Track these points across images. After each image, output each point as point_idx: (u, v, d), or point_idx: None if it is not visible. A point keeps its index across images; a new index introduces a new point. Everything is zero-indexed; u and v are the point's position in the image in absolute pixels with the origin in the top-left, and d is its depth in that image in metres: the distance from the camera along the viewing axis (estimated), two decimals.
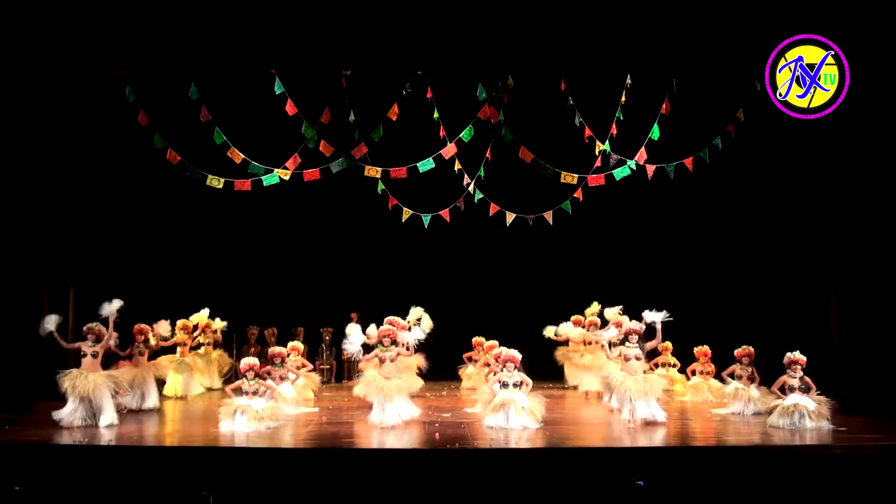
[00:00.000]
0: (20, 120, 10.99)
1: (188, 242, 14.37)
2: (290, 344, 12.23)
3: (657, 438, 8.78)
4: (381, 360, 9.50)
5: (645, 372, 9.88)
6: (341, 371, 15.02)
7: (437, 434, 9.08)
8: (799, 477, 7.78)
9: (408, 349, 11.05)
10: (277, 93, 11.40)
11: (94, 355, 9.79)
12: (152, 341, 11.81)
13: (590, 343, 12.46)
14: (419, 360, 12.09)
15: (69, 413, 9.45)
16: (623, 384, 9.57)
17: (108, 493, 7.62)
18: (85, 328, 9.97)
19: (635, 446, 8.47)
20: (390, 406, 9.37)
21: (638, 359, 9.65)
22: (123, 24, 11.16)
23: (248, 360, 9.89)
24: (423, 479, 7.73)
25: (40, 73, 11.04)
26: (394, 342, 9.70)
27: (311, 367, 12.33)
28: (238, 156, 11.65)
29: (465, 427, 9.59)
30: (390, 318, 11.71)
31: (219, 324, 13.19)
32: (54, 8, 10.89)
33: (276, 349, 11.31)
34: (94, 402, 9.47)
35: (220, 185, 11.77)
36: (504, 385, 9.64)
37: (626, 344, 9.79)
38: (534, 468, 7.93)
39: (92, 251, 12.73)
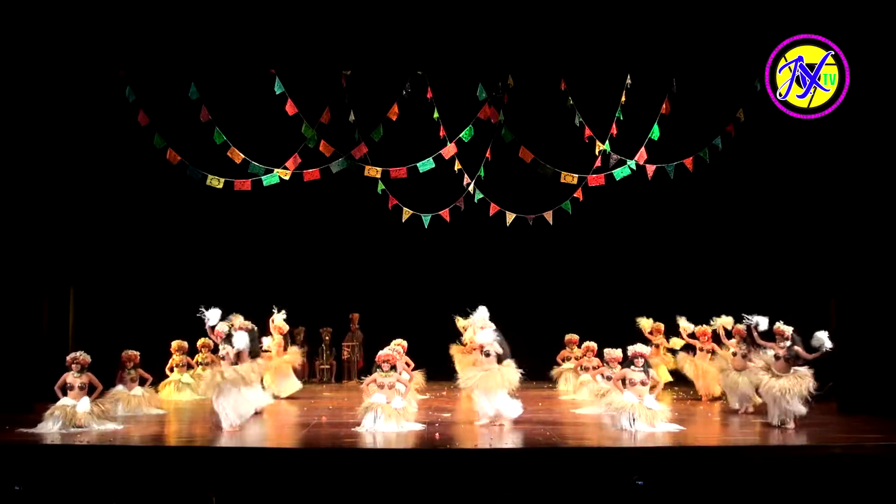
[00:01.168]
0: (19, 121, 10.98)
1: (188, 243, 14.37)
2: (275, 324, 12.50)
3: (657, 438, 8.77)
4: (381, 386, 9.41)
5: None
6: (341, 371, 15.03)
7: (437, 434, 9.08)
8: (799, 477, 7.77)
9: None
10: (277, 93, 11.40)
11: (82, 387, 9.45)
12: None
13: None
14: (418, 380, 11.95)
15: (49, 427, 9.17)
16: (626, 410, 9.17)
17: (108, 493, 7.61)
18: (69, 358, 9.60)
19: (635, 446, 8.46)
20: (387, 422, 9.26)
21: (644, 384, 9.24)
22: (124, 24, 11.17)
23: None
24: (423, 479, 7.72)
25: (40, 73, 11.03)
26: (393, 367, 9.62)
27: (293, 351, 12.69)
28: (238, 156, 11.66)
29: (464, 427, 9.59)
30: (398, 341, 11.75)
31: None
32: (55, 8, 10.90)
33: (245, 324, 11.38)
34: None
35: (220, 185, 11.77)
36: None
37: (632, 367, 9.38)
38: (533, 468, 7.92)
39: (91, 251, 12.73)
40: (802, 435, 9.00)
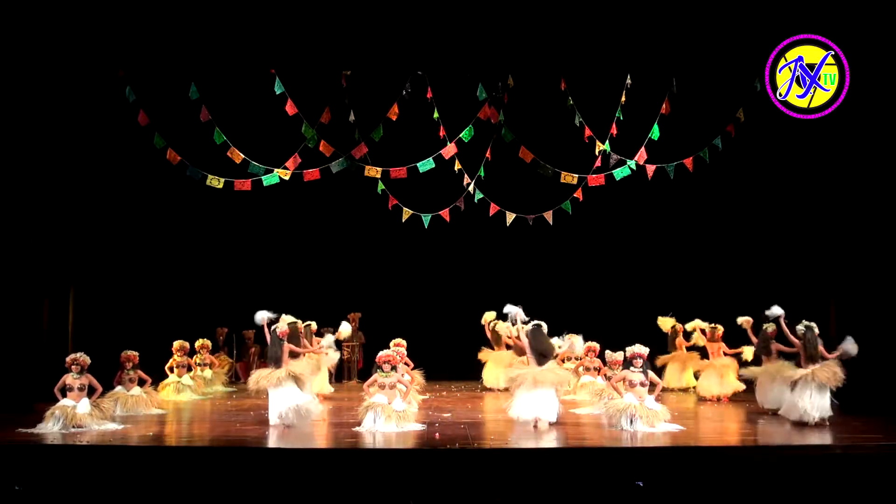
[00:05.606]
0: (20, 121, 10.99)
1: (188, 243, 14.37)
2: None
3: (657, 439, 8.77)
4: (381, 387, 9.42)
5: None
6: (341, 371, 15.01)
7: (437, 434, 9.08)
8: (799, 477, 7.77)
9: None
10: (277, 93, 11.41)
11: (81, 388, 9.47)
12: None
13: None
14: (419, 380, 11.93)
15: (49, 427, 9.18)
16: (626, 411, 9.10)
17: (108, 493, 7.61)
18: (69, 359, 9.61)
19: (635, 446, 8.46)
20: (388, 422, 9.25)
21: (643, 385, 9.17)
22: (124, 24, 11.17)
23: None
24: (423, 479, 7.72)
25: (40, 74, 11.05)
26: (394, 368, 9.62)
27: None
28: (238, 156, 11.66)
29: (465, 427, 9.59)
30: (397, 340, 11.76)
31: None
32: (55, 8, 10.90)
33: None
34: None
35: (220, 185, 11.78)
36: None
37: (631, 368, 9.32)
38: (534, 468, 7.92)
39: (91, 251, 12.73)
40: (802, 435, 9.00)
